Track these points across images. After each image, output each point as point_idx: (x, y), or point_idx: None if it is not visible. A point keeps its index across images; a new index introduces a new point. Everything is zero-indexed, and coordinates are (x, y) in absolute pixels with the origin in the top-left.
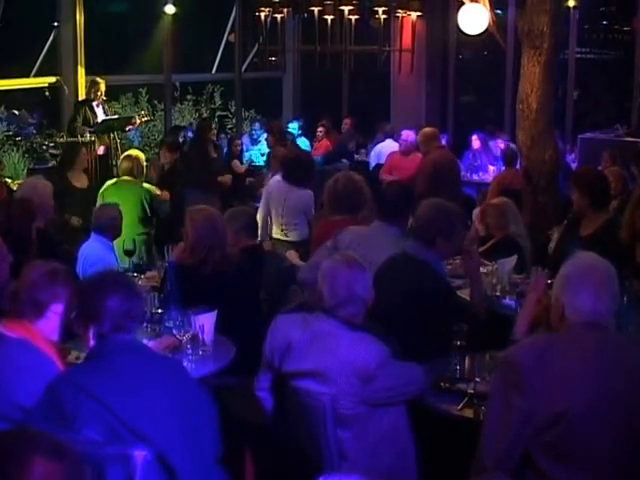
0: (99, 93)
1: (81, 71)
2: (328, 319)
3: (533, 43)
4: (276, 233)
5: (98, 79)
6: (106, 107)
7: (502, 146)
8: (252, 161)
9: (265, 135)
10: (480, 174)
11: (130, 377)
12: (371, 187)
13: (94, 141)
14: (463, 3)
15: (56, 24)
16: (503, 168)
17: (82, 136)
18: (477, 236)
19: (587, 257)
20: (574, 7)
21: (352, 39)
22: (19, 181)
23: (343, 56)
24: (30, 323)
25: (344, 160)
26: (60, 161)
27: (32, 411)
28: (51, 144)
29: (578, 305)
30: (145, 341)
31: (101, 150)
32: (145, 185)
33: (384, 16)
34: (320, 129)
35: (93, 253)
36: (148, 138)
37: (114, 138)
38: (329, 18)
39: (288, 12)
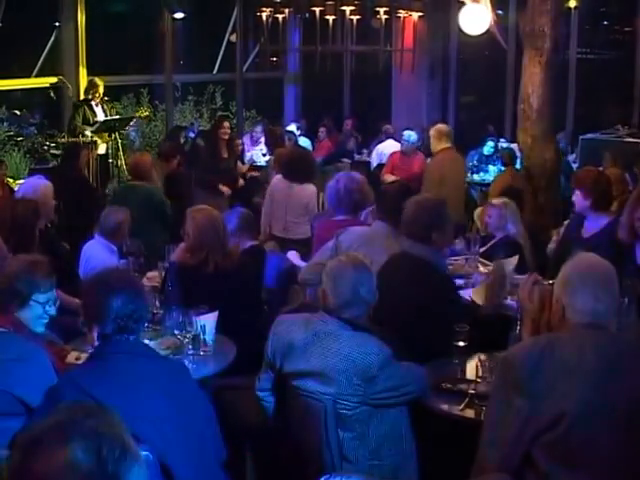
0: (97, 94)
1: (82, 71)
2: (331, 320)
3: (534, 43)
4: (279, 231)
5: (96, 80)
6: (106, 107)
7: (503, 146)
8: (254, 161)
9: (264, 139)
10: (481, 174)
11: (131, 379)
12: (373, 187)
13: (95, 141)
14: (464, 3)
15: (57, 24)
16: (503, 168)
17: (83, 135)
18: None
19: (587, 258)
20: (575, 7)
21: (353, 39)
22: (20, 181)
23: (344, 56)
24: (13, 314)
25: (345, 159)
26: (61, 160)
27: (34, 412)
28: (52, 144)
29: (578, 306)
30: (146, 342)
31: (102, 149)
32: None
33: (385, 16)
34: (322, 130)
35: (95, 255)
36: (149, 138)
37: (115, 138)
38: (330, 18)
39: (289, 12)
